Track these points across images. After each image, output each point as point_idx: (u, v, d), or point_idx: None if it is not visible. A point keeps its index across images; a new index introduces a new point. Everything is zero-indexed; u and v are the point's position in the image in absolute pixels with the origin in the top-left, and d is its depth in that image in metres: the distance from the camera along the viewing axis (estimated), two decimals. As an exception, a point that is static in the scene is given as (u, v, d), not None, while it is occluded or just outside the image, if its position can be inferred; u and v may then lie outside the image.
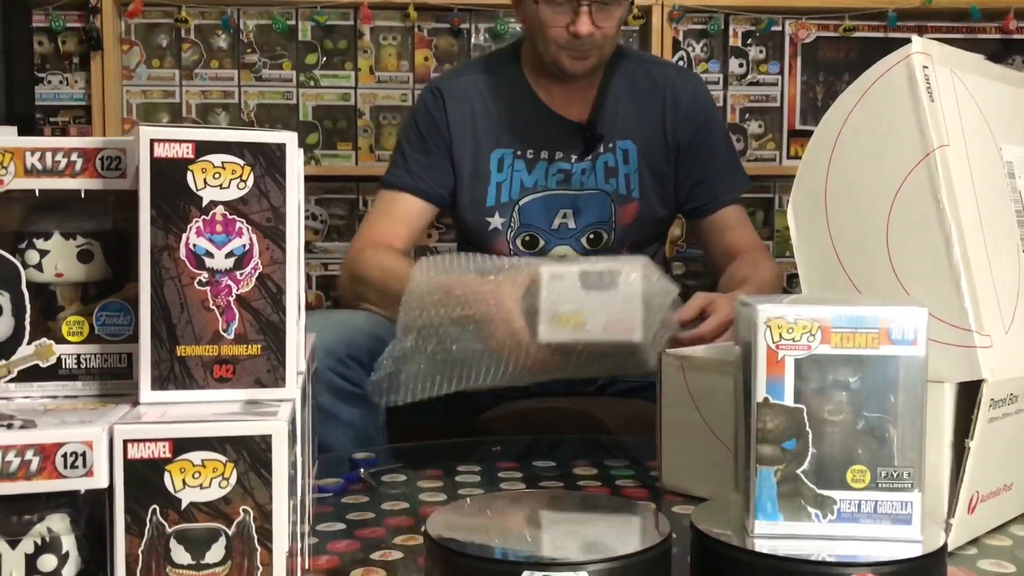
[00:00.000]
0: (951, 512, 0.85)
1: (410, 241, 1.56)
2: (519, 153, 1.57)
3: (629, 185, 1.59)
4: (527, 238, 1.60)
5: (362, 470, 1.13)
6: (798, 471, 0.73)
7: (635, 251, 1.60)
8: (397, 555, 0.87)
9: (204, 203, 0.66)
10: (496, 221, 1.58)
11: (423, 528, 0.74)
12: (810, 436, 0.73)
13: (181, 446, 0.60)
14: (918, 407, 0.72)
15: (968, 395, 0.84)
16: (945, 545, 0.72)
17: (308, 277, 2.46)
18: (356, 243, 1.55)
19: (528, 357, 1.14)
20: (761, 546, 0.71)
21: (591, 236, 1.60)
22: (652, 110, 1.59)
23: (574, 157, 1.57)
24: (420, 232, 1.59)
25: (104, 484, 0.59)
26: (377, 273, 1.44)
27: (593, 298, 1.12)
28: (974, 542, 0.89)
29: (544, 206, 1.58)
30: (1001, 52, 2.49)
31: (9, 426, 0.61)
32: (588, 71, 1.53)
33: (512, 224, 1.58)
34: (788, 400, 0.73)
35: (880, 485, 0.72)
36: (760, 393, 0.73)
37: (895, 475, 0.72)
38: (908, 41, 0.90)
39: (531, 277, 1.15)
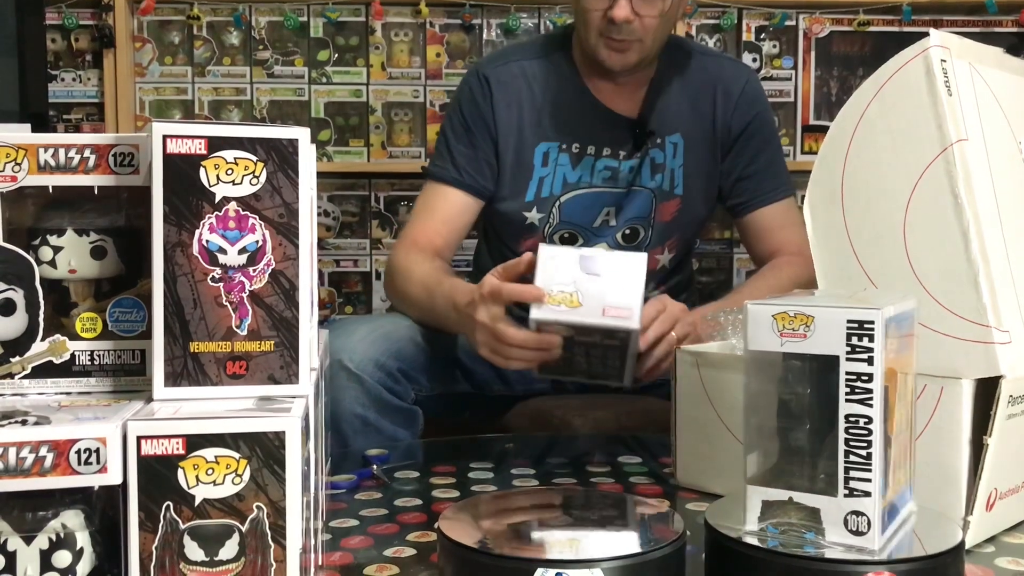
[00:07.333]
0: (969, 510, 0.84)
1: (452, 238, 1.53)
2: (564, 147, 1.51)
3: (673, 181, 1.53)
4: (566, 235, 1.55)
5: (375, 467, 1.13)
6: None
7: (671, 251, 1.58)
8: (410, 552, 0.87)
9: (217, 199, 0.66)
10: (533, 216, 1.54)
11: (436, 525, 0.73)
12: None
13: (194, 443, 0.60)
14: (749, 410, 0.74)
15: (986, 392, 0.83)
16: (963, 543, 0.71)
17: (320, 274, 2.46)
18: (400, 240, 1.54)
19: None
20: (775, 545, 0.71)
21: (627, 232, 1.56)
22: (702, 103, 1.54)
23: (622, 154, 1.52)
24: (464, 228, 1.55)
25: (118, 480, 0.59)
26: (401, 285, 1.47)
27: (590, 281, 1.11)
28: (992, 540, 0.89)
29: (588, 203, 1.53)
30: (1017, 46, 2.47)
31: (23, 422, 0.61)
32: (628, 67, 1.46)
33: (551, 220, 1.54)
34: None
35: None
36: None
37: None
38: (923, 35, 0.89)
39: (526, 262, 1.15)
